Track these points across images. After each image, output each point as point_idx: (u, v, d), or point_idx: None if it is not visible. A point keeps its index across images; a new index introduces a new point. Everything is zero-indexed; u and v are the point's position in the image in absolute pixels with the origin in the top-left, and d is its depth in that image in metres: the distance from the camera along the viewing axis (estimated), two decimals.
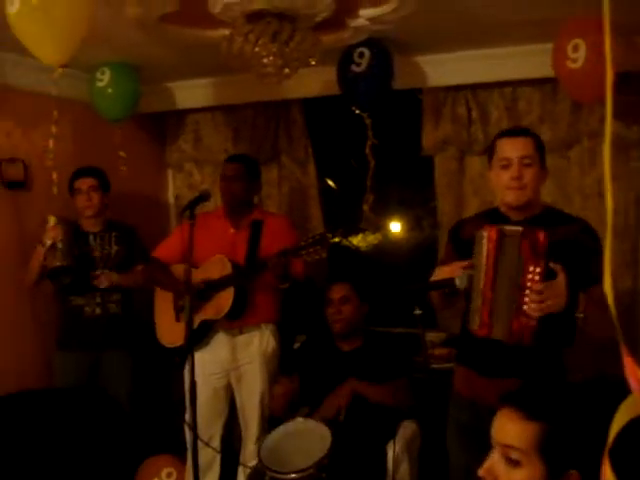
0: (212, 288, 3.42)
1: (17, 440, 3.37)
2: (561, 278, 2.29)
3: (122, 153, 4.06)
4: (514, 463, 1.37)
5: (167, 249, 3.68)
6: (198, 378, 3.45)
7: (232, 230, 3.58)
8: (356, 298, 3.44)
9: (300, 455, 2.93)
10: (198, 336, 3.48)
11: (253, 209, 3.69)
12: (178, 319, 3.56)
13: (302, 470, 2.80)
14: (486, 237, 2.41)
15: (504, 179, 2.53)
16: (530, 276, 2.31)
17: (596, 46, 3.08)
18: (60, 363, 3.80)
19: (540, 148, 2.56)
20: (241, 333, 3.58)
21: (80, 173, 3.77)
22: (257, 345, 3.60)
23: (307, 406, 3.21)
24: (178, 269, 3.56)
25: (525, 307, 2.32)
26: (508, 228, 2.41)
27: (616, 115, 3.58)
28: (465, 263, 2.50)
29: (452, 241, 2.81)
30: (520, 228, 2.36)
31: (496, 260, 2.40)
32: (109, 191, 3.90)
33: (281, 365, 3.69)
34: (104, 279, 3.75)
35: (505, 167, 2.52)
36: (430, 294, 2.75)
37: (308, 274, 3.52)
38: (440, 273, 2.61)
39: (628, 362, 0.88)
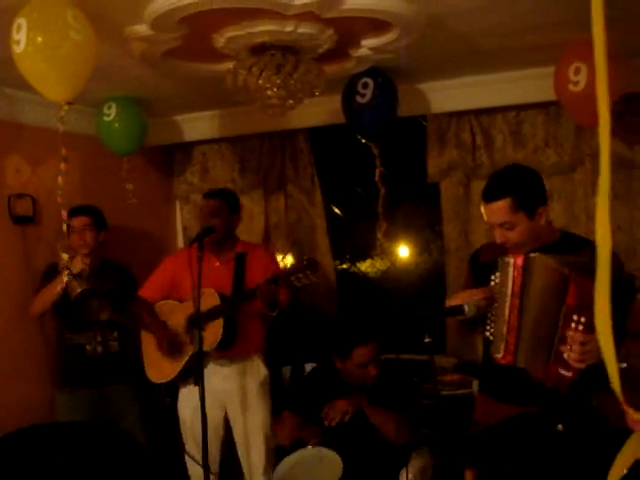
0: (202, 319, 3.38)
1: (28, 476, 3.35)
2: None
3: (130, 185, 4.08)
4: None
5: (152, 289, 3.70)
6: (193, 411, 3.41)
7: (217, 263, 3.57)
8: (378, 355, 3.24)
9: None
10: (189, 371, 3.49)
11: (236, 242, 3.70)
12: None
13: None
14: (512, 264, 2.38)
15: (497, 239, 2.48)
16: (574, 325, 2.18)
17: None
18: (63, 401, 3.76)
19: (521, 202, 2.39)
20: (231, 363, 3.58)
21: (75, 212, 3.67)
22: (250, 374, 3.61)
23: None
24: (162, 306, 3.64)
25: (565, 355, 2.20)
26: (548, 261, 2.30)
27: (618, 135, 3.58)
28: (478, 292, 2.46)
29: (471, 266, 2.78)
30: (566, 270, 2.21)
31: (522, 288, 2.35)
32: (105, 229, 3.84)
33: (289, 394, 3.65)
34: (103, 313, 3.75)
35: (492, 228, 2.50)
36: (447, 322, 2.71)
37: (314, 305, 3.43)
38: (452, 300, 2.57)
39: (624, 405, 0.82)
